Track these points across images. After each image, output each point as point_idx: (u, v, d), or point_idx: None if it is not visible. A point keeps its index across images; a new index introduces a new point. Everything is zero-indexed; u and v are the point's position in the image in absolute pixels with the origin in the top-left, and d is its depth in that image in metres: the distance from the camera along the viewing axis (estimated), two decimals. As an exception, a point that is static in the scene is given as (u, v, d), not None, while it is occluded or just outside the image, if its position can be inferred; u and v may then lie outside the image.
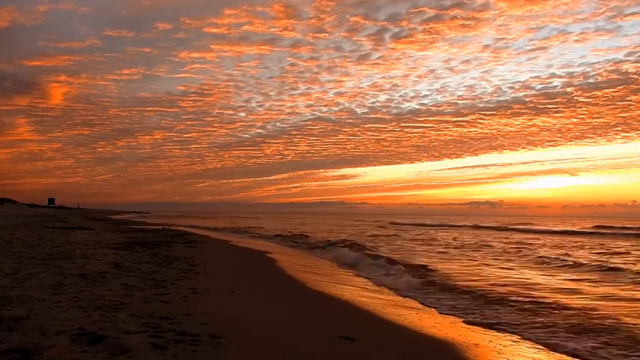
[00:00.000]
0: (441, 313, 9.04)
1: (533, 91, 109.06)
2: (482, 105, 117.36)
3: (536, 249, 23.39)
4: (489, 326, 7.82)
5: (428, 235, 35.21)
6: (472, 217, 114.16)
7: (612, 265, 16.18)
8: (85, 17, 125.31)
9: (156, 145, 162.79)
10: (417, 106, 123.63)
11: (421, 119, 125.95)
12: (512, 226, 50.24)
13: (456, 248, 23.85)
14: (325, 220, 73.94)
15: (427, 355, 6.04)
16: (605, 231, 39.55)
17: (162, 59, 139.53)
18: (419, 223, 60.83)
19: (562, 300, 9.99)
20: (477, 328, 7.78)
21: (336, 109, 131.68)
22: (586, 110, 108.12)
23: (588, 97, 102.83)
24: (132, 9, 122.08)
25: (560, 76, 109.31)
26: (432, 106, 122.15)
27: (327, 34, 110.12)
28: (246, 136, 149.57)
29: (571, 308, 9.07)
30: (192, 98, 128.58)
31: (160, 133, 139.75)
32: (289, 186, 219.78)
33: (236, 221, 55.71)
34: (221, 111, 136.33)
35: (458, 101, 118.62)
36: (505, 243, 27.39)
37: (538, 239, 31.48)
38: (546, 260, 18.08)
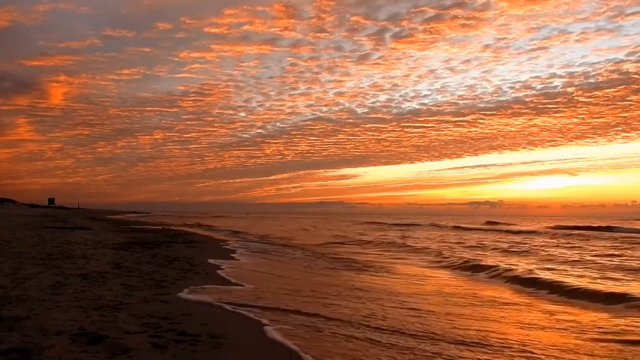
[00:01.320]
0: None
1: (534, 91, 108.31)
2: (482, 105, 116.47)
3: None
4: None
5: (384, 233, 36.26)
6: (471, 218, 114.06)
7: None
8: (85, 17, 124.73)
9: (156, 145, 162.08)
10: (418, 106, 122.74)
11: (421, 119, 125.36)
12: (474, 226, 49.80)
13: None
14: (307, 221, 73.85)
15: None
16: (555, 230, 40.06)
17: (163, 59, 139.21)
18: (391, 223, 61.24)
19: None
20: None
21: (336, 109, 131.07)
22: (586, 110, 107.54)
23: (589, 97, 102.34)
24: (132, 9, 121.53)
25: (560, 76, 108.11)
26: (432, 106, 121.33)
27: (327, 34, 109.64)
28: (246, 136, 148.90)
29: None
30: (192, 98, 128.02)
31: (160, 133, 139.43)
32: (289, 186, 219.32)
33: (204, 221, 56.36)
34: (221, 111, 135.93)
35: (458, 101, 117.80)
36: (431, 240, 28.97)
37: (469, 236, 32.55)
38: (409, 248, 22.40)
